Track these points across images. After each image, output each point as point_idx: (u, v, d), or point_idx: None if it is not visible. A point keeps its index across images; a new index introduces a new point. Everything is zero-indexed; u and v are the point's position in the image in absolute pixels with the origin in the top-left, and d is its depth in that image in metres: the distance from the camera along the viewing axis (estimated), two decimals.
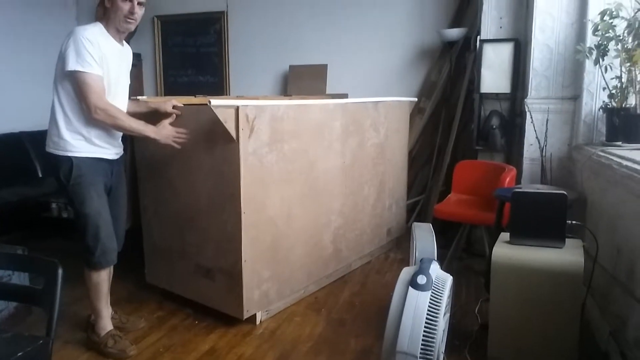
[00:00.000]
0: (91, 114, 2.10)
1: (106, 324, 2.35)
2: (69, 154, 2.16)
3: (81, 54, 2.04)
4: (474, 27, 3.91)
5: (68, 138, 2.15)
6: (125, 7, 2.13)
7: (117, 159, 2.36)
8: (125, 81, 2.36)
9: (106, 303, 2.37)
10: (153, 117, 2.45)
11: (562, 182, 3.11)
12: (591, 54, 2.73)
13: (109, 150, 2.28)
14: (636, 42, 2.54)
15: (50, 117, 2.20)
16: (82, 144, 2.17)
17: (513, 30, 3.49)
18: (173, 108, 2.45)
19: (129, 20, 2.16)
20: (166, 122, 2.34)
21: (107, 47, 2.16)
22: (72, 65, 2.05)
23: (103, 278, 2.32)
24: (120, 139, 2.38)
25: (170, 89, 5.33)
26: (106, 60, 2.15)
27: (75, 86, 2.10)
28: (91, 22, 2.21)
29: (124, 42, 2.34)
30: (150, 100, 2.61)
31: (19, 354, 1.41)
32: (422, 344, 1.64)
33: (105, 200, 2.27)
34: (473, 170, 3.56)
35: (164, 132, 2.29)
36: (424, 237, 2.12)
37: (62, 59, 2.09)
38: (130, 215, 3.06)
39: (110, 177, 2.32)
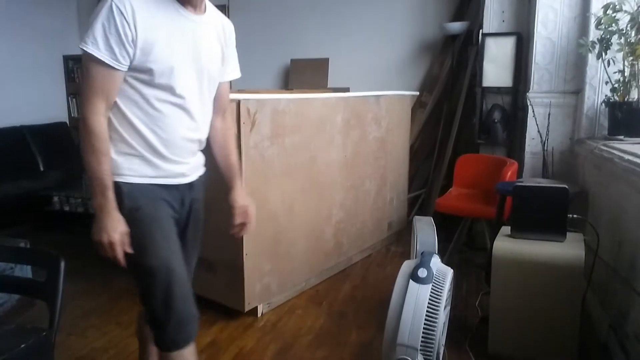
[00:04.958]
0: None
1: None
2: (119, 179, 1.38)
3: (95, 28, 1.26)
4: (476, 21, 3.89)
5: (117, 157, 1.37)
6: None
7: (192, 183, 1.56)
8: (211, 75, 1.52)
9: None
10: None
11: (564, 176, 3.11)
12: (594, 47, 2.72)
13: (178, 167, 1.47)
14: (639, 36, 2.53)
15: None
16: (136, 162, 1.40)
17: (515, 24, 3.48)
18: None
19: None
20: (122, 227, 1.33)
21: (162, 18, 1.33)
22: (83, 39, 1.27)
23: (187, 359, 1.43)
24: (200, 144, 1.57)
25: None
26: (157, 38, 1.31)
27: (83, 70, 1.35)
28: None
29: (214, 12, 1.51)
30: None
31: (22, 345, 1.42)
32: (422, 337, 1.65)
33: (175, 242, 1.45)
34: (474, 164, 3.55)
35: (113, 224, 1.31)
36: (425, 231, 2.12)
37: None
38: None
39: (181, 207, 1.53)
